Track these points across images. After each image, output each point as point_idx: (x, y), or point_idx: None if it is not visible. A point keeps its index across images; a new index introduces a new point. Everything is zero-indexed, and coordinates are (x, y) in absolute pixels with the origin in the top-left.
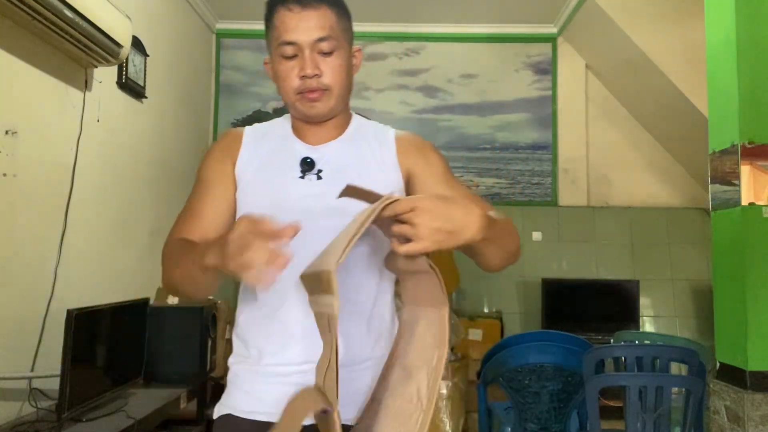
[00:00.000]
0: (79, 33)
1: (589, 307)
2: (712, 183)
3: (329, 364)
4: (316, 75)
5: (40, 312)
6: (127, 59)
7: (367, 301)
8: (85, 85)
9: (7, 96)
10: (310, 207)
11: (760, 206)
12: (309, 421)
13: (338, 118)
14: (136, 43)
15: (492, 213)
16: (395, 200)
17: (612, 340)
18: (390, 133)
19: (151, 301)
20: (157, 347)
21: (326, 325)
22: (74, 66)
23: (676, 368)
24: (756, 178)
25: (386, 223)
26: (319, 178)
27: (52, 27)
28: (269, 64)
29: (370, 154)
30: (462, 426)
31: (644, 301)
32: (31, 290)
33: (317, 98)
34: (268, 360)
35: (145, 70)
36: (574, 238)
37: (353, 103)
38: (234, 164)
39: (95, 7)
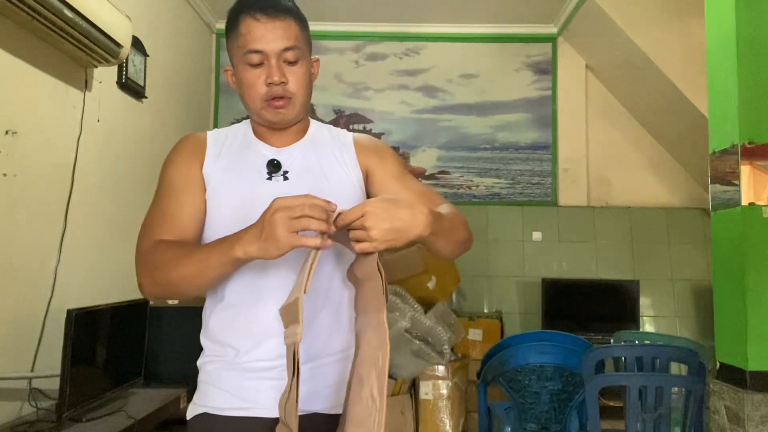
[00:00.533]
0: (79, 33)
1: (589, 307)
2: (712, 183)
3: (289, 393)
4: (283, 83)
5: (40, 312)
6: (127, 59)
7: (337, 294)
8: (85, 85)
9: (7, 96)
10: None
11: (760, 206)
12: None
13: (299, 123)
14: (136, 43)
15: (443, 207)
16: (342, 212)
17: (612, 340)
18: (348, 136)
19: (151, 301)
20: (157, 347)
21: (291, 355)
22: (74, 66)
23: (676, 368)
24: (756, 178)
25: (343, 234)
26: (286, 179)
27: (52, 27)
28: (231, 72)
29: (331, 154)
30: (462, 426)
31: (644, 301)
32: (31, 290)
33: (283, 105)
34: (243, 357)
35: (145, 70)
36: (574, 238)
37: (353, 103)
38: (201, 167)
39: (95, 7)
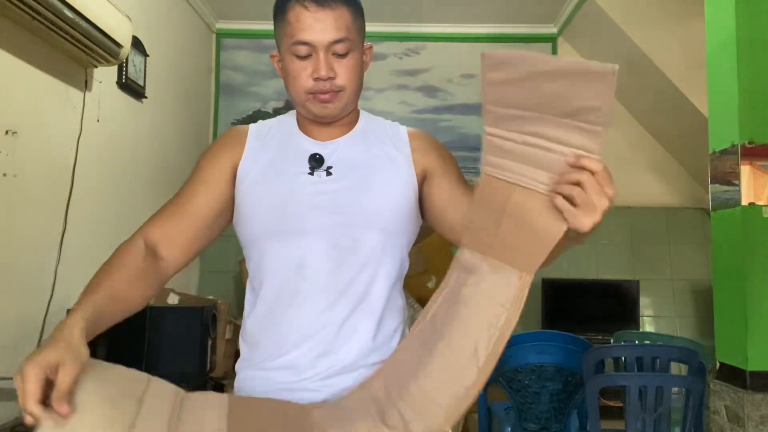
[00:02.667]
0: (79, 33)
1: (589, 307)
2: (712, 183)
3: None
4: (330, 78)
5: (40, 312)
6: (127, 59)
7: (378, 301)
8: (85, 85)
9: (7, 96)
10: (321, 204)
11: (760, 206)
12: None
13: (348, 116)
14: (136, 43)
15: None
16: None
17: (612, 340)
18: (402, 129)
19: (151, 301)
20: (157, 347)
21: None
22: (74, 66)
23: (676, 368)
24: (756, 178)
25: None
26: (329, 174)
27: (52, 27)
28: (277, 58)
29: (380, 150)
30: (462, 426)
31: (644, 301)
32: (31, 290)
33: (330, 99)
34: (273, 362)
35: (145, 70)
36: None
37: None
38: (235, 163)
39: (95, 7)
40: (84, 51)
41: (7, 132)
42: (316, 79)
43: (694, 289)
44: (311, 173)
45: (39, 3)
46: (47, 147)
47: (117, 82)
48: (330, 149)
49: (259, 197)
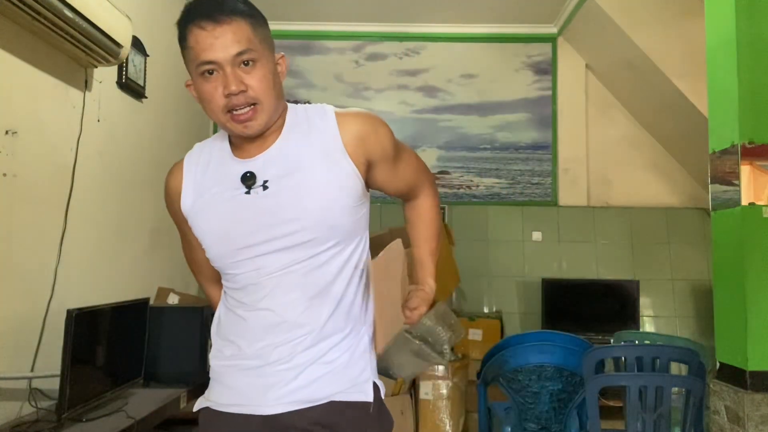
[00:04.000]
0: (79, 33)
1: (589, 307)
2: (712, 183)
3: None
4: (242, 91)
5: (40, 312)
6: (127, 59)
7: (340, 289)
8: (85, 85)
9: (7, 96)
10: (262, 219)
11: (760, 206)
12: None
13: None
14: (136, 43)
15: (426, 199)
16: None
17: (612, 340)
18: (329, 117)
19: (151, 301)
20: (157, 347)
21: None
22: (74, 66)
23: (676, 368)
24: (756, 178)
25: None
26: (266, 188)
27: (52, 27)
28: (192, 86)
29: (311, 148)
30: (462, 426)
31: (644, 301)
32: (31, 290)
33: (249, 117)
34: (245, 354)
35: (145, 70)
36: (574, 238)
37: (353, 103)
38: (180, 205)
39: (95, 7)
40: (84, 51)
41: (7, 132)
42: (228, 96)
43: (694, 289)
44: (248, 192)
45: (39, 3)
46: (47, 147)
47: (117, 82)
48: (260, 163)
49: (203, 227)
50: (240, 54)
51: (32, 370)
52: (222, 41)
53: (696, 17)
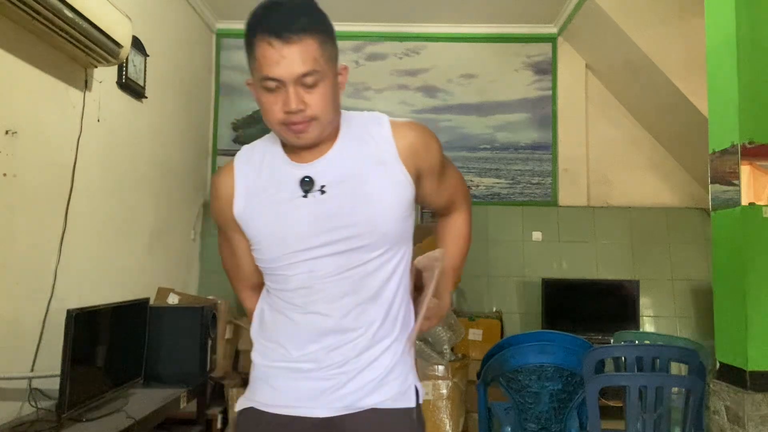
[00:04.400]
0: (79, 33)
1: (589, 307)
2: (712, 183)
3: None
4: (301, 110)
5: (40, 312)
6: (127, 59)
7: (390, 294)
8: (85, 85)
9: (7, 96)
10: (319, 223)
11: (760, 206)
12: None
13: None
14: (136, 43)
15: (461, 214)
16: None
17: (612, 340)
18: (384, 125)
19: (151, 301)
20: (157, 347)
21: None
22: (74, 66)
23: (676, 368)
24: (756, 178)
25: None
26: (323, 192)
27: (52, 27)
28: (253, 86)
29: (367, 154)
30: (462, 426)
31: (644, 301)
32: (31, 290)
33: (304, 129)
34: (292, 356)
35: (145, 70)
36: (574, 238)
37: (353, 103)
38: (231, 205)
39: (95, 7)
40: (84, 51)
41: (7, 132)
42: (287, 113)
43: (694, 289)
44: (305, 196)
45: (39, 3)
46: (47, 147)
47: (117, 82)
48: (317, 168)
49: (259, 228)
50: (304, 75)
51: (32, 370)
52: (288, 61)
53: (696, 17)
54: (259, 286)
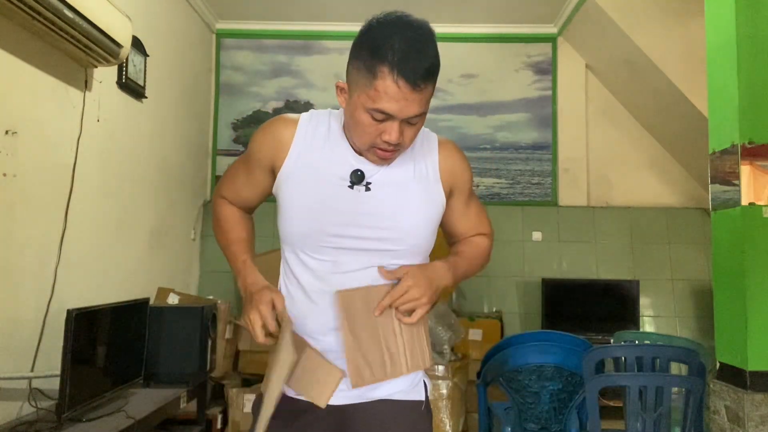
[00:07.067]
0: (79, 33)
1: (589, 307)
2: (712, 183)
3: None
4: (398, 144)
5: (40, 312)
6: (127, 59)
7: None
8: (85, 85)
9: (7, 96)
10: (358, 217)
11: (760, 206)
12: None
13: None
14: (136, 43)
15: (475, 239)
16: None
17: (612, 340)
18: (433, 144)
19: (151, 301)
20: (157, 347)
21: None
22: (74, 66)
23: (676, 368)
24: (756, 178)
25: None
26: (368, 189)
27: (52, 27)
28: (344, 89)
29: (413, 166)
30: (462, 426)
31: (644, 301)
32: (31, 290)
33: (390, 157)
34: (317, 340)
35: (145, 70)
36: (574, 238)
37: None
38: (275, 163)
39: (95, 7)
40: (84, 51)
41: (7, 132)
42: (385, 142)
43: (694, 289)
44: (351, 187)
45: (39, 3)
46: (47, 147)
47: (117, 82)
48: (371, 166)
49: (299, 198)
50: (414, 116)
51: (32, 370)
52: (408, 104)
53: (696, 17)
54: (239, 210)
